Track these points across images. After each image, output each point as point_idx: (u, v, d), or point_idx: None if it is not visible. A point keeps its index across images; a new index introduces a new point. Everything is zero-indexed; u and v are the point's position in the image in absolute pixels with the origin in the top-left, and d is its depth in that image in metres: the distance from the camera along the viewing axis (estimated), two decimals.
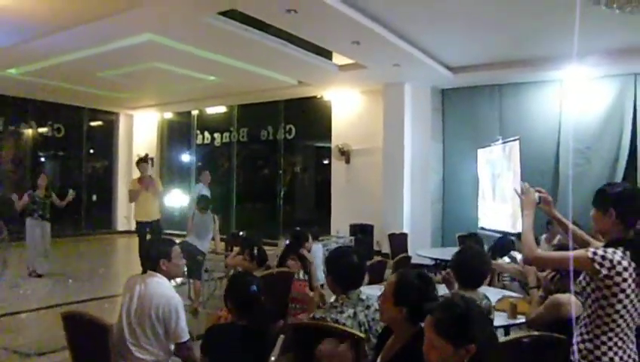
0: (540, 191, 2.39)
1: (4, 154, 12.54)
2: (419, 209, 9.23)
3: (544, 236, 6.26)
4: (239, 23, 6.57)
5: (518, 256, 4.39)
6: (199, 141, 13.33)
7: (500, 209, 7.81)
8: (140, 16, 6.06)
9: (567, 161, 8.01)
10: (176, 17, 6.14)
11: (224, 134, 12.83)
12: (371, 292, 2.97)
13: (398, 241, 8.13)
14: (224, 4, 5.83)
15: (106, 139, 13.99)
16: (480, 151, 8.65)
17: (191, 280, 6.28)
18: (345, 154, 10.18)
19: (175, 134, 14.05)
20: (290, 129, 11.67)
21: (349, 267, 2.70)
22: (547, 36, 6.70)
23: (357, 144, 10.07)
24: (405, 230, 8.86)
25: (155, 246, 3.10)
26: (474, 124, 9.16)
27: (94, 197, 13.13)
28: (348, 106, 10.31)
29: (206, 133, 13.17)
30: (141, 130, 13.98)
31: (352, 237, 9.21)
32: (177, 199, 12.61)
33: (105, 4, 5.64)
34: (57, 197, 8.23)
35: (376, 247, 9.31)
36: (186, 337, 2.84)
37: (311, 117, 11.39)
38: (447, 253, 5.46)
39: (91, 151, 13.81)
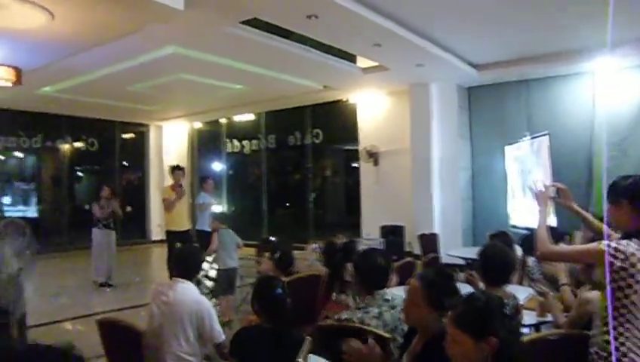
0: (556, 186, 2.39)
1: (44, 169, 13.00)
2: (449, 208, 9.14)
3: (579, 232, 6.10)
4: (262, 31, 6.65)
5: None
6: (229, 149, 13.50)
7: (530, 206, 7.66)
8: (165, 30, 6.19)
9: (602, 155, 7.80)
10: (199, 29, 6.25)
11: (253, 142, 12.97)
12: (399, 293, 2.97)
13: (429, 242, 8.05)
14: (246, 14, 5.92)
15: (137, 151, 14.30)
16: (507, 148, 8.50)
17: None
18: (373, 157, 10.14)
19: (205, 143, 14.23)
20: (318, 133, 11.71)
21: (374, 268, 2.73)
22: (574, 28, 6.55)
23: (385, 146, 10.02)
24: (436, 230, 8.78)
25: (196, 255, 3.18)
26: (501, 121, 9.01)
27: (128, 208, 13.42)
28: (374, 108, 10.29)
29: (235, 141, 13.32)
30: (171, 141, 14.22)
31: (383, 239, 9.18)
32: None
33: (132, 21, 5.77)
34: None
35: (407, 248, 9.25)
36: (222, 337, 2.93)
37: (338, 120, 11.40)
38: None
39: (124, 163, 14.16)
